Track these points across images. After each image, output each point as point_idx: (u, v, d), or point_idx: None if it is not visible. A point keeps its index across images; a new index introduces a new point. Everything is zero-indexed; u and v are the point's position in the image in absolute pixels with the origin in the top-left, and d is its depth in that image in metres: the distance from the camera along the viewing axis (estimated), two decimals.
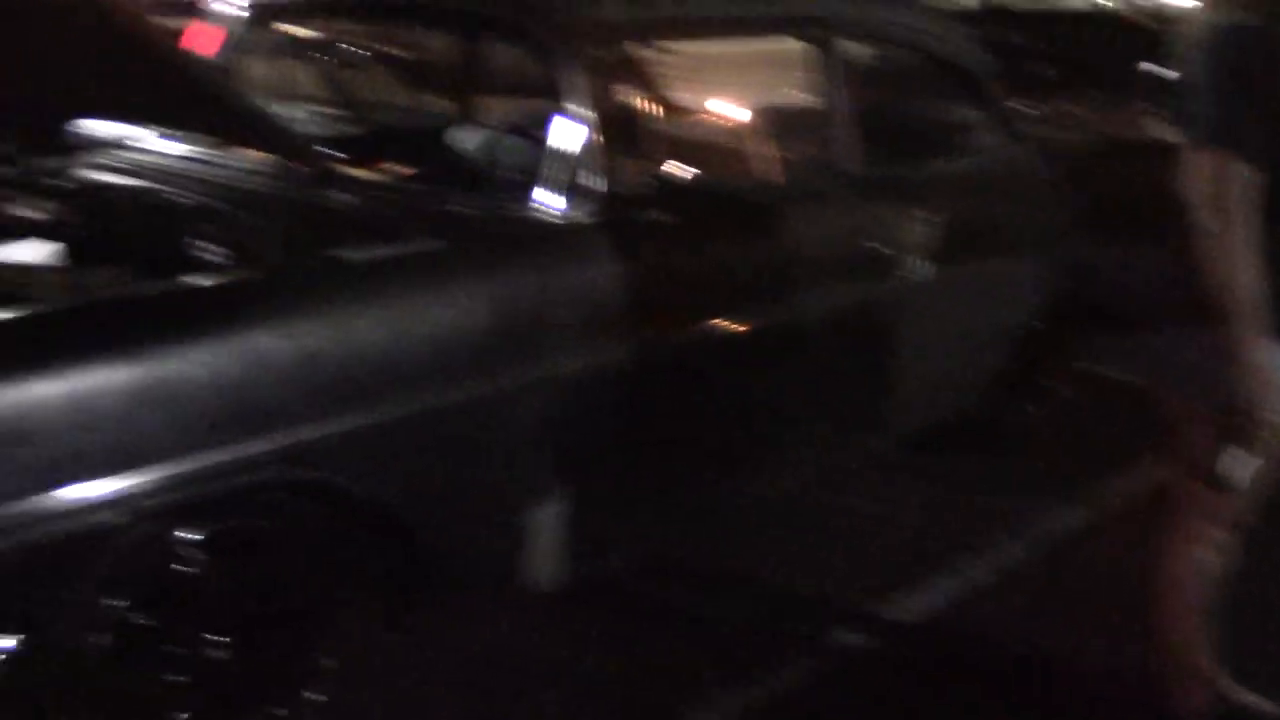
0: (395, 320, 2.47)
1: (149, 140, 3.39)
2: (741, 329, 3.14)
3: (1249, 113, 2.30)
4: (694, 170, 2.97)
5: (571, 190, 2.87)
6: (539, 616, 3.07)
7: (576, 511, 2.83)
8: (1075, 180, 4.34)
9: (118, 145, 3.41)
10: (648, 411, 2.96)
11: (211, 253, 2.68)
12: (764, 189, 3.41)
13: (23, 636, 2.03)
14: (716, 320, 3.09)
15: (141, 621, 2.24)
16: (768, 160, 3.70)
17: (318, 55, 4.34)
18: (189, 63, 2.43)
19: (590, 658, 3.04)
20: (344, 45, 4.50)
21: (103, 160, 3.36)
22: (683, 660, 3.04)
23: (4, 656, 2.01)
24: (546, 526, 2.79)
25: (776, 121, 3.79)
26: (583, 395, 2.78)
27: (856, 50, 3.71)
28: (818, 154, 3.57)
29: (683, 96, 3.81)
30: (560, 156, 2.93)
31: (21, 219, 3.03)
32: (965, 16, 12.53)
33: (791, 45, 3.65)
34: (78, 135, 3.39)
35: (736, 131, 3.61)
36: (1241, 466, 2.50)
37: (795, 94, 3.90)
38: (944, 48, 4.04)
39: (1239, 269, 2.33)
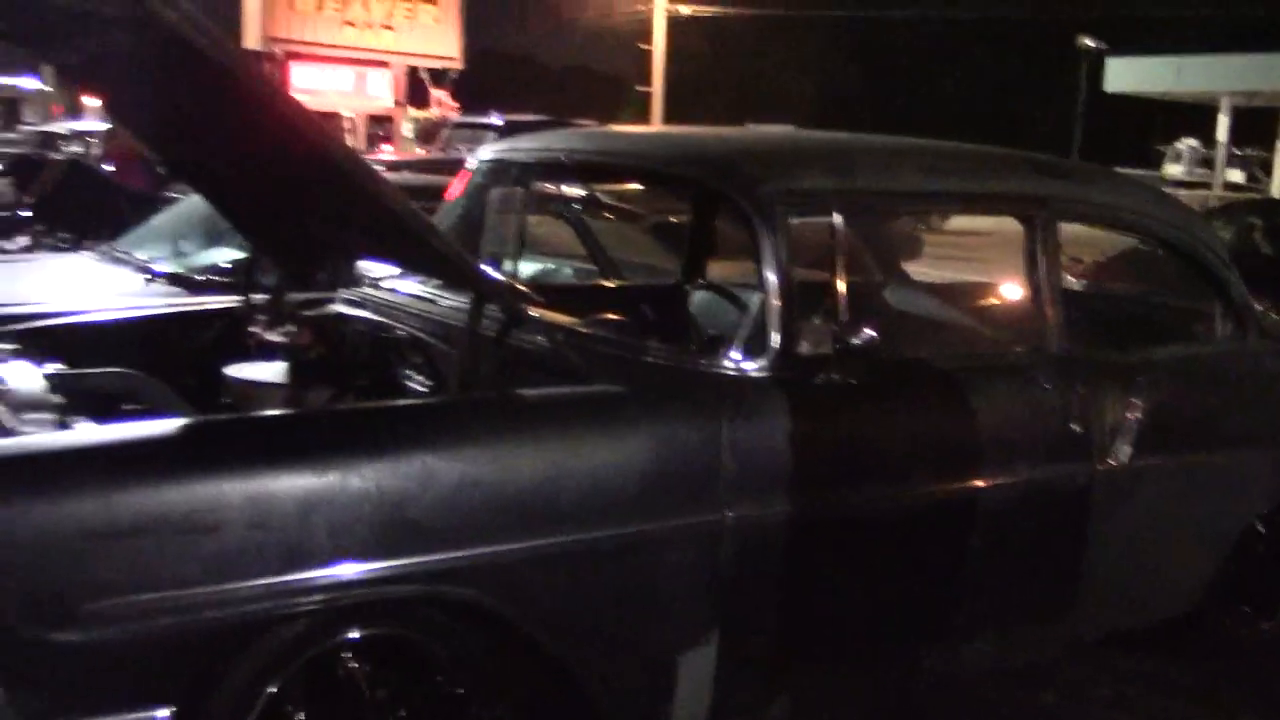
0: (559, 455, 2.61)
1: (390, 281, 3.74)
2: (913, 497, 3.11)
3: None
4: (879, 336, 2.99)
5: (752, 348, 2.96)
6: None
7: (726, 664, 2.84)
8: None
9: (366, 284, 3.78)
10: (809, 568, 2.96)
11: (411, 378, 2.92)
12: (956, 360, 3.40)
13: (175, 709, 2.23)
14: (888, 484, 3.07)
15: (288, 709, 2.41)
16: (963, 332, 3.70)
17: (552, 210, 4.66)
18: (414, 216, 2.73)
19: None
20: (574, 203, 4.79)
21: (346, 296, 3.73)
22: None
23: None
24: (694, 675, 2.82)
25: (979, 296, 3.78)
26: (744, 545, 2.82)
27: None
28: (1022, 331, 3.53)
29: (881, 267, 3.85)
30: (748, 316, 3.05)
31: (268, 341, 3.41)
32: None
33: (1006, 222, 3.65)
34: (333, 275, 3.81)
35: (933, 304, 3.62)
36: None
37: (1005, 270, 3.86)
38: (1172, 234, 3.93)
39: None
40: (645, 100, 35.45)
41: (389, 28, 25.50)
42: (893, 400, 3.12)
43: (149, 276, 5.59)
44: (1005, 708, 3.68)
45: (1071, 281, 4.75)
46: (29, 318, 3.52)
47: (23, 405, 2.71)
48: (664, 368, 3.04)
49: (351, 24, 24.95)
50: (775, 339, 2.95)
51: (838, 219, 3.08)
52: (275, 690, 2.40)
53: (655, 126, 12.49)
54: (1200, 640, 4.05)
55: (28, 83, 18.99)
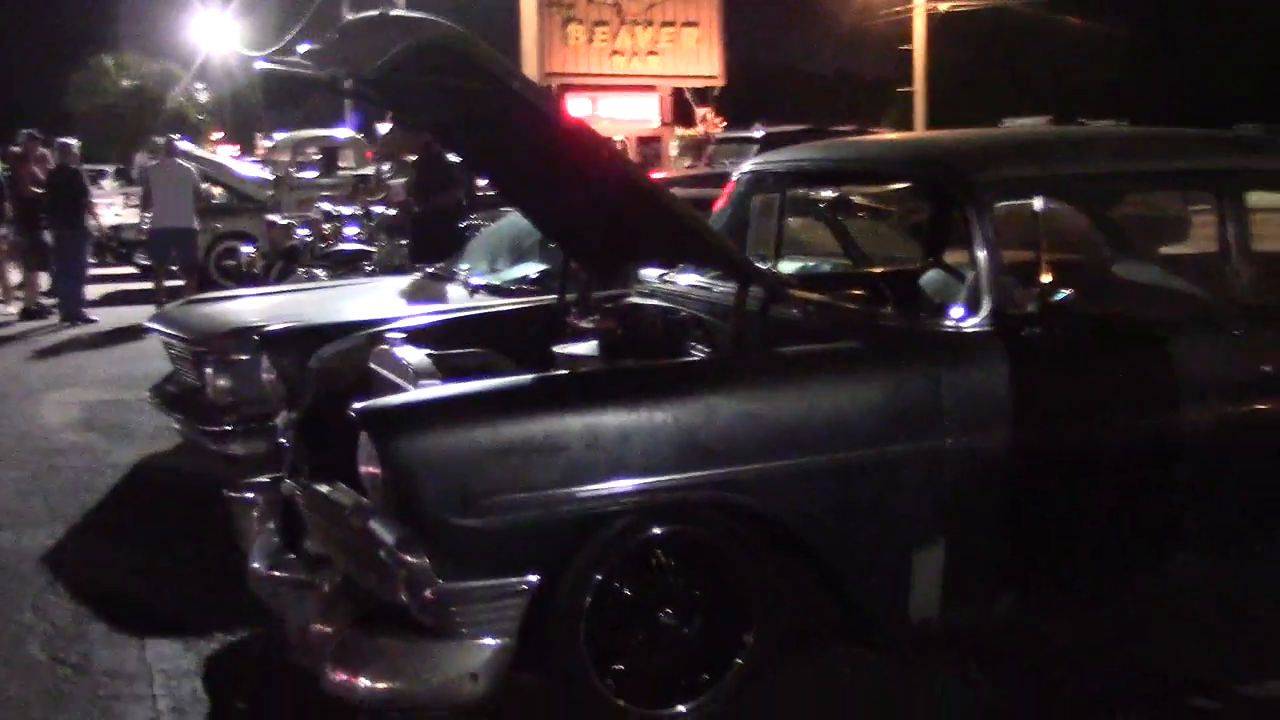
0: (810, 395, 3.42)
1: (672, 275, 4.64)
2: (1110, 431, 3.71)
3: None
4: (1074, 294, 3.62)
5: (970, 309, 3.66)
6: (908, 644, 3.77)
7: (951, 565, 3.55)
8: None
9: (654, 280, 4.69)
10: (1016, 491, 3.62)
11: (694, 347, 3.80)
12: (1156, 315, 3.97)
13: (538, 578, 3.15)
14: (1086, 420, 3.69)
15: (616, 586, 3.30)
16: (1168, 293, 4.25)
17: (810, 212, 5.44)
18: (692, 218, 3.61)
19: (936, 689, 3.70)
20: (829, 205, 5.54)
21: (639, 289, 4.66)
22: (1027, 700, 3.61)
23: (528, 585, 3.14)
24: (926, 572, 3.54)
25: (1189, 263, 4.31)
26: (961, 468, 3.53)
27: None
28: (1218, 288, 4.05)
29: (1079, 238, 4.43)
30: (966, 284, 3.76)
31: (584, 328, 4.36)
32: None
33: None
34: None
35: (1150, 271, 4.18)
36: None
37: (1198, 237, 4.36)
38: None
39: None
40: (908, 101, 35.58)
41: (654, 53, 26.92)
42: (1092, 348, 3.74)
43: (472, 289, 6.73)
44: (1218, 619, 4.19)
45: None
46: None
47: (418, 373, 3.74)
48: (895, 329, 3.80)
49: (620, 53, 26.51)
50: (986, 300, 3.64)
51: (1038, 200, 3.74)
52: (602, 576, 3.29)
53: (890, 134, 13.04)
54: None
55: (341, 132, 21.22)
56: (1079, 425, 3.70)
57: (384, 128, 24.45)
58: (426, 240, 9.90)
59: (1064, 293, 3.60)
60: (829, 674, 3.82)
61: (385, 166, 18.01)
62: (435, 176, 10.44)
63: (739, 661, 3.43)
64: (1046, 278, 3.67)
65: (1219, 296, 4.02)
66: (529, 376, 3.55)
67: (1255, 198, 4.15)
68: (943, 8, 35.39)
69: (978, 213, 3.70)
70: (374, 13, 3.49)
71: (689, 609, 3.42)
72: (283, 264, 12.04)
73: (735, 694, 3.43)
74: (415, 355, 3.92)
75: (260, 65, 3.85)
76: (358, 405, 3.30)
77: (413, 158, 11.36)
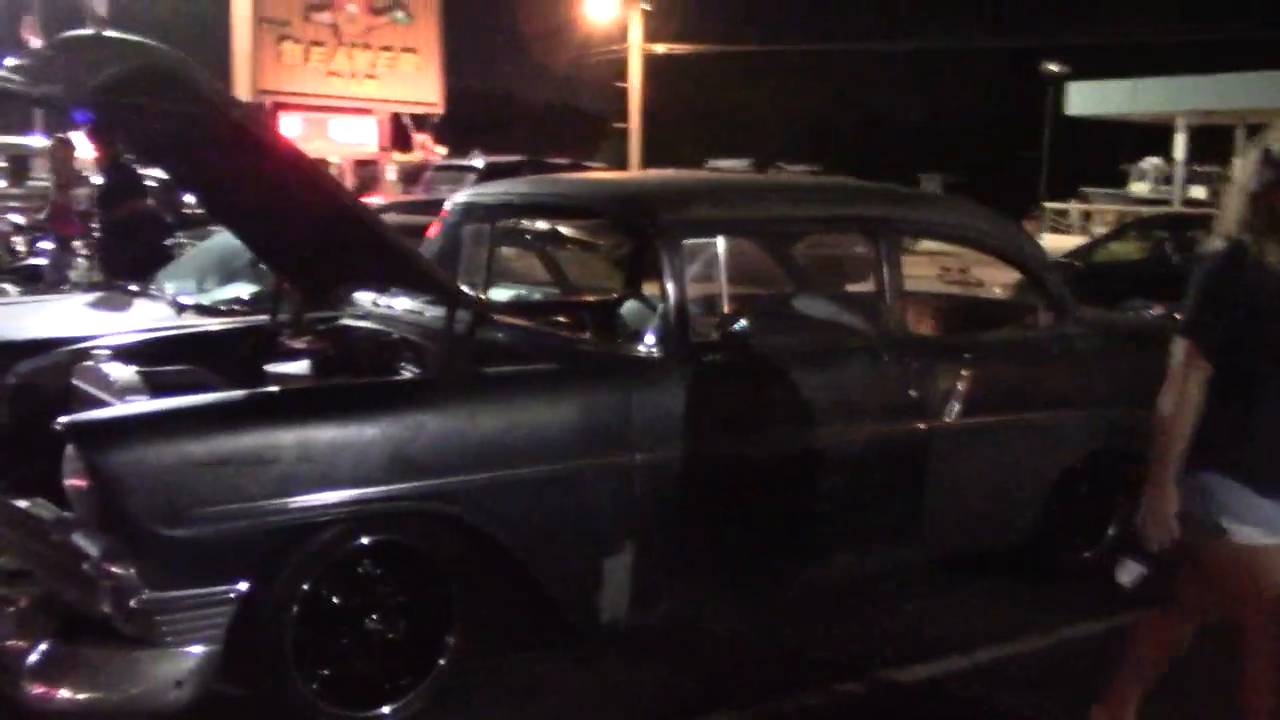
0: (512, 412, 3.69)
1: (384, 299, 4.81)
2: (779, 445, 4.17)
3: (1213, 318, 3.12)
4: (750, 326, 4.04)
5: (658, 336, 4.03)
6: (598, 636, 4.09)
7: (640, 568, 3.89)
8: (1121, 356, 5.18)
9: (365, 303, 4.85)
10: (699, 499, 4.01)
11: (405, 368, 4.00)
12: (818, 344, 4.48)
13: (247, 585, 3.27)
14: (760, 434, 4.13)
15: (321, 594, 3.45)
16: (832, 325, 4.79)
17: (519, 243, 5.73)
18: (401, 244, 3.83)
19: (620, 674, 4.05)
20: (527, 235, 5.86)
21: (352, 311, 4.81)
22: (704, 687, 4.00)
23: (235, 594, 3.26)
24: (617, 574, 3.87)
25: (853, 299, 4.86)
26: (648, 480, 3.88)
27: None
28: (873, 321, 4.60)
29: (758, 275, 4.93)
30: (655, 315, 4.13)
31: (296, 349, 4.48)
32: None
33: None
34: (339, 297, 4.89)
35: (796, 300, 4.70)
36: (1127, 573, 3.38)
37: (858, 277, 4.93)
38: (997, 244, 5.03)
39: (1171, 421, 3.19)
40: (623, 136, 36.70)
41: (372, 76, 26.69)
42: (763, 373, 4.19)
43: (180, 308, 6.64)
44: (873, 611, 4.72)
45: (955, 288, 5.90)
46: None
47: (124, 389, 3.78)
48: (593, 352, 4.13)
49: (337, 74, 26.13)
50: (672, 328, 4.02)
51: (720, 240, 4.16)
52: (314, 580, 3.44)
53: (597, 171, 13.64)
54: (1037, 566, 5.11)
55: (34, 140, 20.02)
56: (752, 440, 4.13)
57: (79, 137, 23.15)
58: (115, 252, 9.56)
59: (741, 323, 4.02)
60: (524, 672, 4.08)
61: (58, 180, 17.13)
62: (119, 186, 10.11)
63: (441, 663, 3.64)
64: (726, 309, 4.09)
65: (874, 328, 4.56)
66: (241, 391, 3.66)
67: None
68: (659, 49, 36.74)
69: (666, 249, 4.08)
70: (89, 32, 3.53)
71: (394, 614, 3.61)
72: None
73: (438, 694, 3.64)
74: (121, 371, 3.95)
75: None
76: (64, 418, 3.33)
77: (92, 174, 10.92)
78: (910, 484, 4.52)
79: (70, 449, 3.24)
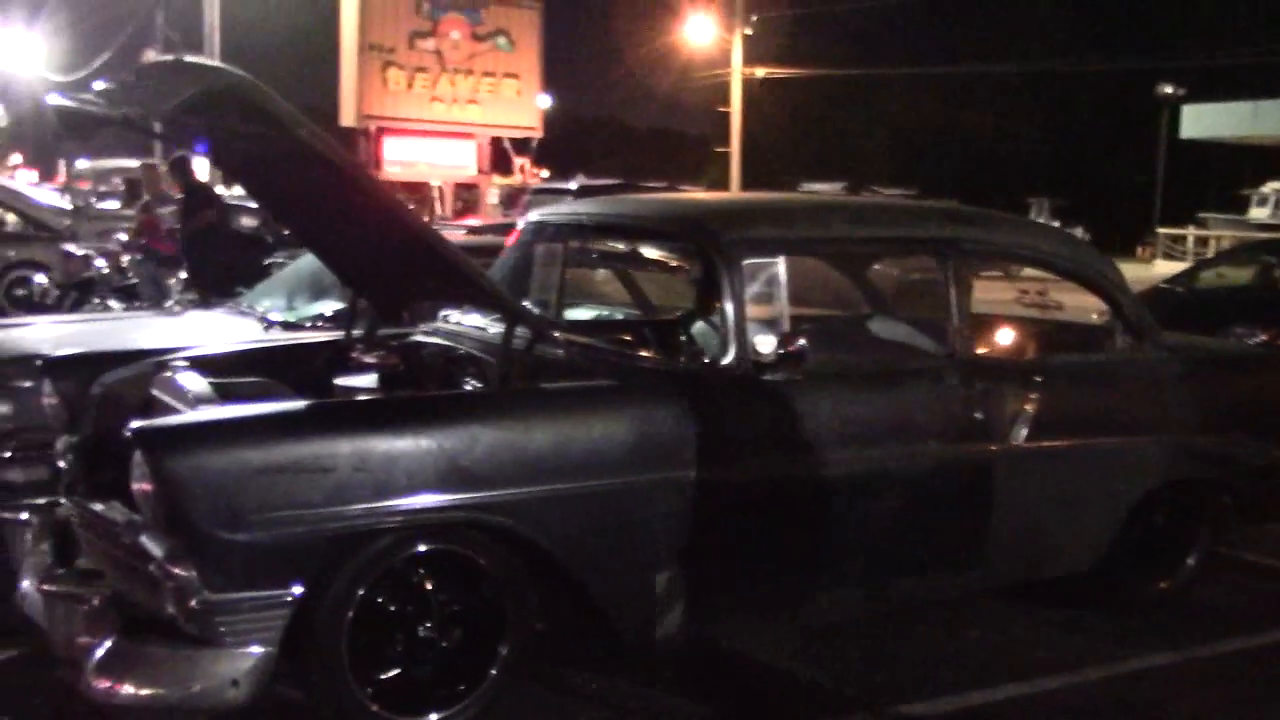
0: (566, 427, 3.74)
1: (453, 316, 4.91)
2: (840, 464, 4.14)
3: None
4: (809, 345, 4.04)
5: (719, 354, 4.05)
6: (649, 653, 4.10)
7: (694, 583, 3.91)
8: (1206, 383, 5.06)
9: (437, 320, 4.96)
10: (760, 518, 4.02)
11: (468, 382, 4.09)
12: (881, 364, 4.46)
13: (304, 590, 3.37)
14: (818, 454, 4.11)
15: (376, 600, 3.54)
16: (896, 346, 4.76)
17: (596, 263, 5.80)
18: (467, 264, 3.93)
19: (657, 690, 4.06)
20: (608, 256, 5.91)
21: (425, 328, 4.93)
22: (754, 707, 3.99)
23: (292, 597, 3.36)
24: (671, 589, 3.89)
25: (921, 322, 4.82)
26: (708, 497, 3.89)
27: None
28: (940, 343, 4.56)
29: (821, 295, 4.92)
30: (719, 333, 4.15)
31: (367, 363, 4.60)
32: None
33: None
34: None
35: (859, 321, 4.69)
36: None
37: (925, 298, 4.89)
38: (1072, 267, 4.95)
39: None
40: (725, 160, 36.80)
41: (474, 102, 27.27)
42: (823, 392, 4.18)
43: (267, 325, 6.86)
44: (935, 636, 4.67)
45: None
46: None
47: (197, 398, 3.92)
48: (650, 369, 4.17)
49: (440, 100, 26.75)
50: (732, 347, 4.04)
51: (781, 259, 4.18)
52: (364, 591, 3.53)
53: (663, 195, 13.70)
54: (1110, 595, 5.00)
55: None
56: (809, 460, 4.12)
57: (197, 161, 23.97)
58: (195, 264, 9.87)
59: (800, 342, 4.02)
60: (571, 684, 4.12)
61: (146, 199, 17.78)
62: (191, 201, 10.45)
63: (494, 672, 3.70)
64: (786, 328, 4.10)
65: (939, 350, 4.52)
66: (301, 402, 3.78)
67: None
68: (760, 74, 36.78)
69: (726, 268, 4.11)
70: (169, 57, 3.69)
71: (447, 623, 3.68)
72: (77, 295, 11.82)
73: (490, 703, 3.70)
74: (196, 381, 4.10)
75: (53, 100, 3.98)
76: (133, 424, 3.47)
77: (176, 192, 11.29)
78: (974, 508, 4.46)
79: (138, 454, 3.37)
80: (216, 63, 3.76)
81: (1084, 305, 5.34)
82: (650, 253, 7.78)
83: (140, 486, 3.38)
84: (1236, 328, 10.13)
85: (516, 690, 3.81)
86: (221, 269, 8.92)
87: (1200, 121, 29.59)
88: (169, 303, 10.52)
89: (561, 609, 3.89)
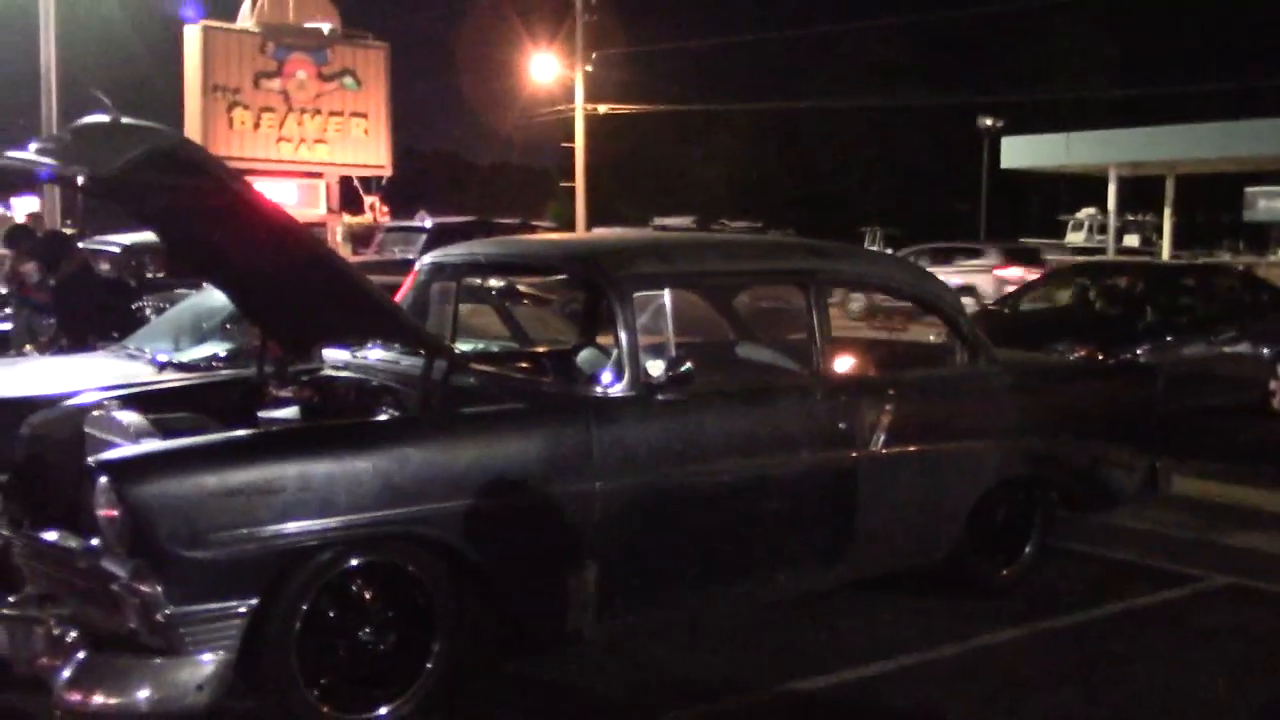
0: (485, 446, 4.18)
1: (362, 352, 5.29)
2: (723, 473, 4.68)
3: None
4: (694, 367, 4.56)
5: (615, 378, 4.54)
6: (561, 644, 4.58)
7: (602, 584, 4.38)
8: (1032, 392, 5.77)
9: (342, 356, 5.33)
10: (653, 523, 4.51)
11: (384, 410, 4.50)
12: (756, 383, 5.02)
13: (258, 600, 3.72)
14: (706, 464, 4.64)
15: (320, 609, 3.91)
16: (768, 366, 5.33)
17: (481, 298, 6.25)
18: (383, 298, 4.33)
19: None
20: (488, 291, 6.37)
21: (331, 363, 5.29)
22: (661, 689, 4.48)
23: (248, 608, 3.70)
24: (581, 590, 4.35)
25: (788, 345, 5.41)
26: (607, 506, 4.37)
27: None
28: (805, 363, 5.14)
29: (701, 323, 5.48)
30: (611, 359, 4.64)
31: (283, 397, 4.95)
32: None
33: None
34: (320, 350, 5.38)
35: (735, 346, 5.25)
36: None
37: (791, 324, 5.48)
38: (915, 291, 5.62)
39: None
40: (570, 195, 37.43)
41: (322, 141, 27.28)
42: (708, 409, 4.71)
43: (159, 366, 7.07)
44: (809, 623, 5.23)
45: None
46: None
47: (139, 433, 4.23)
48: (556, 394, 4.64)
49: (287, 140, 26.69)
50: (627, 371, 4.53)
51: (666, 291, 4.70)
52: (308, 603, 3.89)
53: (553, 233, 14.21)
54: (960, 583, 5.64)
55: None
56: (698, 469, 4.64)
57: (21, 205, 23.42)
58: (72, 310, 9.94)
59: (687, 365, 4.54)
60: (513, 676, 4.54)
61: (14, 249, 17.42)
62: (55, 252, 10.52)
63: (429, 667, 4.10)
64: (673, 353, 4.61)
65: (806, 369, 5.10)
66: (248, 431, 4.13)
67: None
68: (602, 109, 37.55)
69: (620, 301, 4.61)
70: (105, 118, 4.00)
71: (384, 627, 4.07)
72: None
73: (429, 694, 4.09)
74: (133, 417, 4.40)
75: None
76: (96, 457, 3.78)
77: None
78: (841, 507, 5.04)
79: (102, 482, 3.68)
80: (153, 123, 4.08)
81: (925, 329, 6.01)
82: (525, 289, 8.29)
83: (105, 513, 3.69)
84: (1058, 345, 11.07)
85: (462, 684, 4.21)
86: (94, 313, 9.04)
87: (1019, 152, 31.29)
88: (28, 349, 10.53)
89: (484, 608, 4.31)
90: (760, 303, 6.49)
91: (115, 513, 3.65)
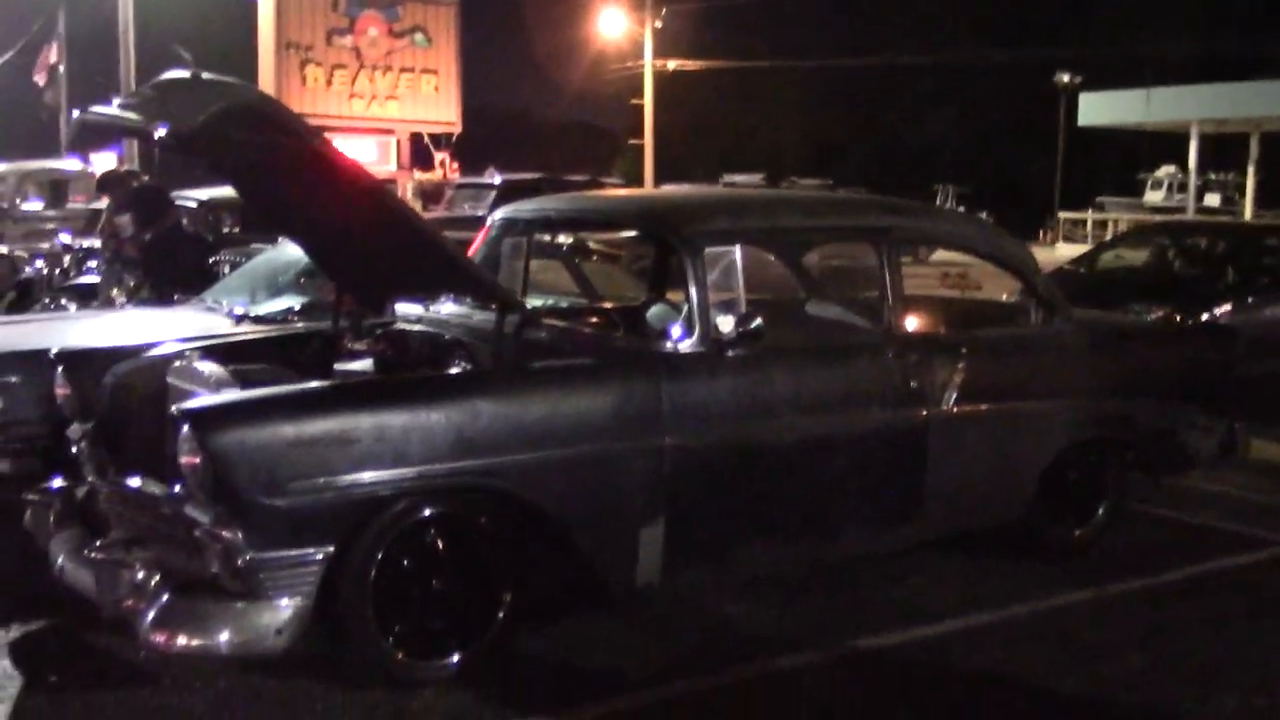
0: (555, 400, 4.22)
1: (435, 306, 5.35)
2: (794, 431, 4.68)
3: None
4: (764, 323, 4.54)
5: (685, 334, 4.55)
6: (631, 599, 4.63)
7: (670, 539, 4.41)
8: (1109, 353, 5.69)
9: (416, 310, 5.39)
10: (723, 480, 4.53)
11: (457, 363, 4.56)
12: (826, 341, 5.01)
13: (334, 548, 3.81)
14: (776, 422, 4.64)
15: (395, 558, 3.99)
16: (839, 324, 5.31)
17: (552, 255, 6.26)
18: (459, 253, 4.38)
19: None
20: (561, 248, 6.38)
21: (404, 317, 5.36)
22: (722, 645, 4.51)
23: (325, 555, 3.79)
24: (650, 544, 4.39)
25: (858, 303, 5.38)
26: (677, 461, 4.39)
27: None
28: (876, 321, 5.11)
29: (773, 279, 5.46)
30: (681, 315, 4.65)
31: (358, 350, 5.03)
32: None
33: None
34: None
35: (807, 302, 5.23)
36: None
37: (865, 282, 5.45)
38: (988, 250, 5.55)
39: None
40: (638, 152, 37.36)
41: (393, 98, 27.49)
42: (777, 365, 4.70)
43: (236, 319, 7.21)
44: (880, 587, 5.23)
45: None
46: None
47: (219, 383, 4.32)
48: (626, 349, 4.66)
49: (359, 96, 26.94)
50: (696, 327, 4.54)
51: (737, 248, 4.69)
52: (384, 550, 3.96)
53: (622, 189, 14.22)
54: (1032, 545, 5.60)
55: (70, 164, 20.67)
56: (767, 426, 4.64)
57: (101, 160, 23.85)
58: (161, 266, 10.12)
59: (757, 321, 4.53)
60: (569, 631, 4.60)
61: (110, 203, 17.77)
62: (152, 207, 10.68)
63: (500, 616, 4.17)
64: (743, 309, 4.60)
65: (878, 327, 5.07)
66: (325, 383, 4.21)
67: None
68: (671, 65, 37.34)
69: (690, 257, 4.61)
70: (187, 74, 4.06)
71: (456, 577, 4.14)
72: (14, 295, 11.96)
73: (498, 644, 4.16)
74: (213, 368, 4.49)
75: (81, 116, 4.33)
76: (179, 405, 3.88)
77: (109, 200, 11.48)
78: (911, 468, 5.02)
79: (185, 431, 3.77)
80: (232, 79, 4.14)
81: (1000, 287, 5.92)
82: (595, 245, 8.29)
83: (187, 460, 3.78)
84: (1134, 305, 10.87)
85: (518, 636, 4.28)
86: (184, 273, 9.22)
87: (1097, 109, 30.65)
88: (120, 301, 10.77)
89: (553, 562, 4.36)
90: (831, 261, 6.45)
91: (197, 460, 3.74)
